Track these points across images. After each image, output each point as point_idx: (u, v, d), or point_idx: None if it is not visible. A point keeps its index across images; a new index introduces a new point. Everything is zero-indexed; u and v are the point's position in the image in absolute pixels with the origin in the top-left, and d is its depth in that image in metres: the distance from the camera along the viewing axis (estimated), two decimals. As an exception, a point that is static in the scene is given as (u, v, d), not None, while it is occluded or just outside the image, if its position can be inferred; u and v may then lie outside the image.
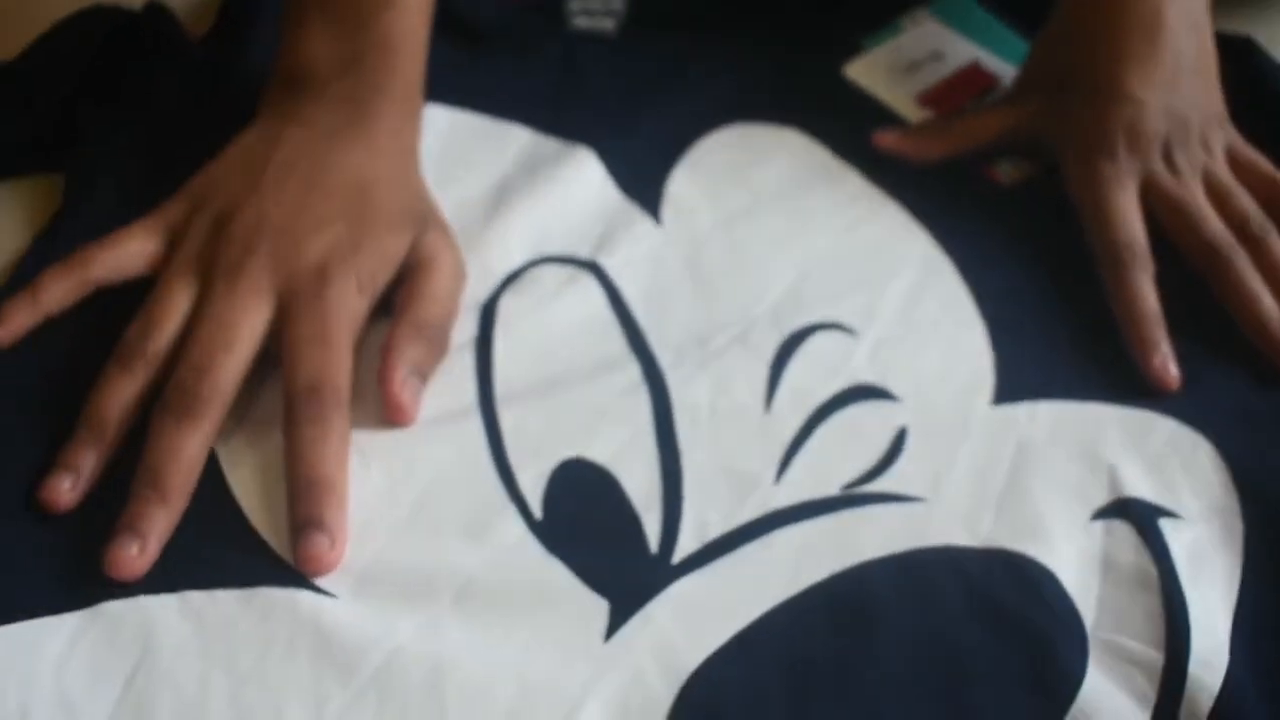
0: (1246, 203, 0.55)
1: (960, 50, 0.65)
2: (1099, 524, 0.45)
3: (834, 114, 0.60)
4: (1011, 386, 0.49)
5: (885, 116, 0.61)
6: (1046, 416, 0.48)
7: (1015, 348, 0.51)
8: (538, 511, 0.45)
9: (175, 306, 0.47)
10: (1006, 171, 0.59)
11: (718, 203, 0.56)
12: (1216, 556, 0.44)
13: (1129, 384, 0.49)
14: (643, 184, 0.57)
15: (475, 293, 0.52)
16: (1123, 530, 0.44)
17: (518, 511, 0.45)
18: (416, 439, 0.47)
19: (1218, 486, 0.46)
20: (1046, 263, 0.54)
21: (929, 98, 0.62)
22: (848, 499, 0.45)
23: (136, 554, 0.42)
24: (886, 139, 0.59)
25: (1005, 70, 0.64)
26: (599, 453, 0.46)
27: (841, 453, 0.47)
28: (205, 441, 0.45)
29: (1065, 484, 0.46)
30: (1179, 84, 0.56)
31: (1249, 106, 0.59)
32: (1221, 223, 0.54)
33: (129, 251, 0.50)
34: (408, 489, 0.45)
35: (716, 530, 0.44)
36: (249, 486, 0.45)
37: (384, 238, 0.50)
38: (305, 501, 0.43)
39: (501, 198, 0.56)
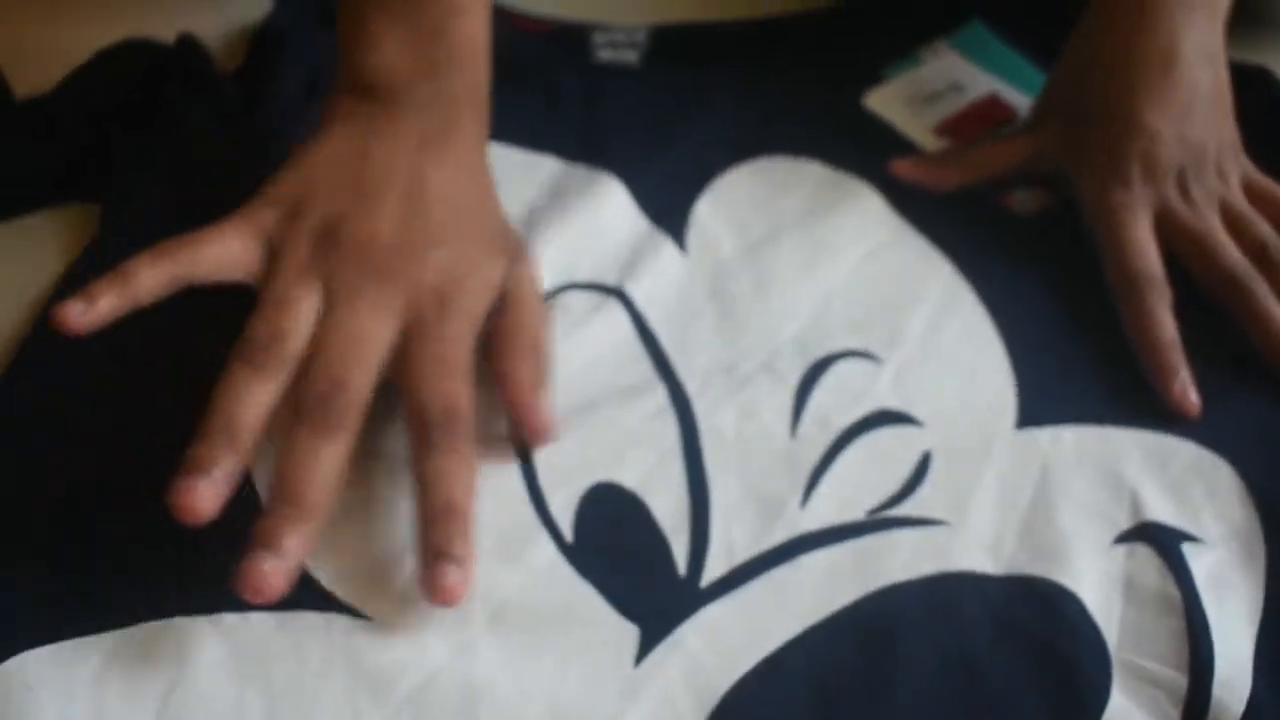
0: (1264, 230, 0.56)
1: (979, 82, 0.65)
2: (1121, 548, 0.45)
3: (855, 145, 0.61)
4: (1034, 411, 0.50)
5: (906, 147, 0.62)
6: (1069, 441, 0.49)
7: (1037, 373, 0.51)
8: (569, 535, 0.45)
9: (302, 315, 0.46)
10: (1022, 201, 0.60)
11: (742, 231, 0.57)
12: (1238, 580, 0.44)
13: (1150, 409, 0.50)
14: (669, 212, 0.57)
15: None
16: (1145, 554, 0.45)
17: (549, 535, 0.45)
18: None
19: (1239, 510, 0.46)
20: (1066, 289, 0.55)
21: (946, 128, 0.63)
22: (873, 523, 0.46)
23: (275, 572, 0.41)
24: (903, 167, 0.60)
25: (1024, 103, 0.64)
26: (628, 477, 0.47)
27: (866, 477, 0.47)
28: (343, 456, 0.44)
29: (1088, 508, 0.46)
30: (1194, 115, 0.57)
31: (1265, 137, 0.60)
32: (1239, 252, 0.55)
33: (232, 252, 0.48)
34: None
35: (744, 554, 0.45)
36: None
37: (485, 265, 0.49)
38: (440, 531, 0.43)
39: (530, 226, 0.56)
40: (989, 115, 0.64)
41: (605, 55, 0.66)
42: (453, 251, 0.48)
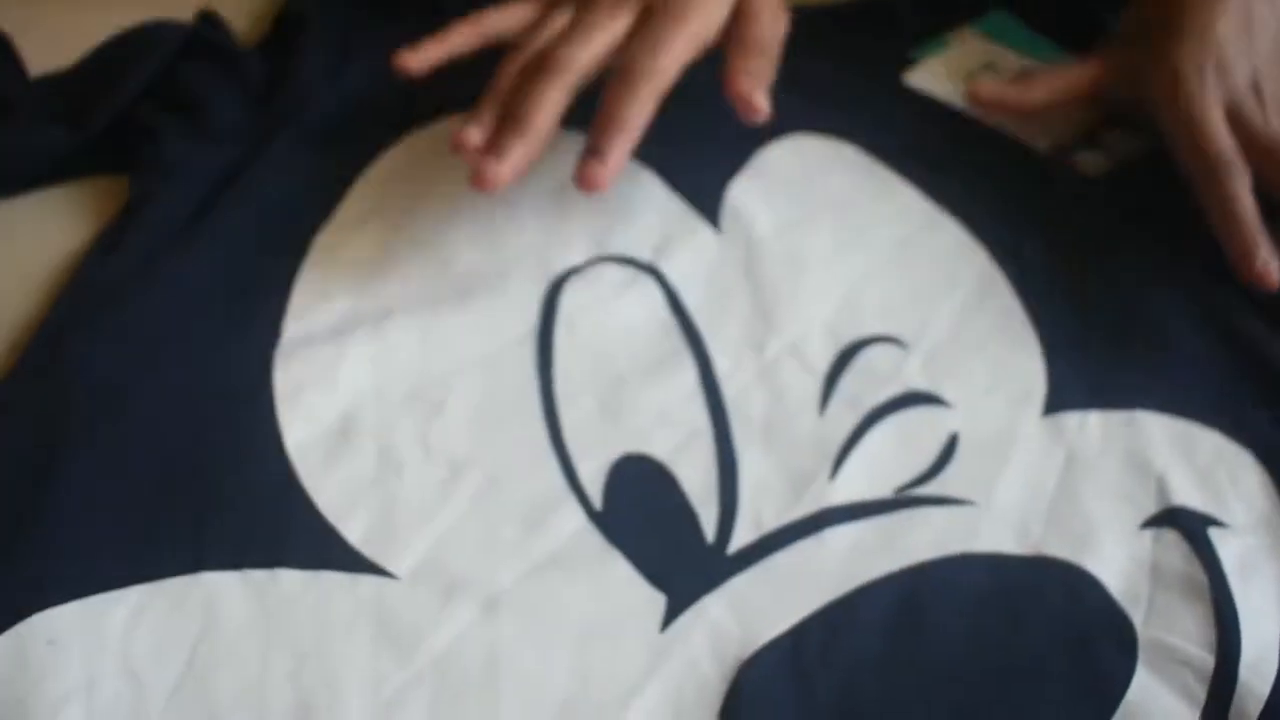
0: None
1: (1011, 62, 0.65)
2: (1148, 532, 0.45)
3: (892, 129, 0.61)
4: (1062, 397, 0.49)
5: (943, 129, 0.62)
6: (1096, 426, 0.48)
7: (1067, 360, 0.51)
8: (598, 502, 0.45)
9: (556, 24, 0.57)
10: (1089, 162, 0.60)
11: (776, 212, 0.57)
12: (1266, 566, 0.44)
13: (1177, 395, 0.50)
14: (703, 191, 0.57)
15: (535, 286, 0.53)
16: (1172, 538, 0.45)
17: (578, 501, 0.45)
18: (478, 427, 0.48)
19: (1264, 500, 0.46)
20: (1100, 276, 0.55)
21: None
22: (900, 501, 0.46)
23: (499, 170, 0.51)
24: (985, 88, 0.61)
25: None
26: (658, 449, 0.47)
27: (894, 455, 0.47)
28: (563, 97, 0.54)
29: (1115, 492, 0.46)
30: (1261, 43, 0.58)
31: None
32: None
33: (522, 16, 0.60)
34: (471, 475, 0.46)
35: (772, 524, 0.45)
36: (319, 477, 0.46)
37: None
38: (595, 133, 0.53)
39: (561, 198, 0.57)
40: None
41: None
42: None
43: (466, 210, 0.56)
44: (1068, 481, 0.47)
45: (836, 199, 0.58)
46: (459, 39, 0.60)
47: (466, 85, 0.62)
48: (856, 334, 0.52)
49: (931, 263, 0.55)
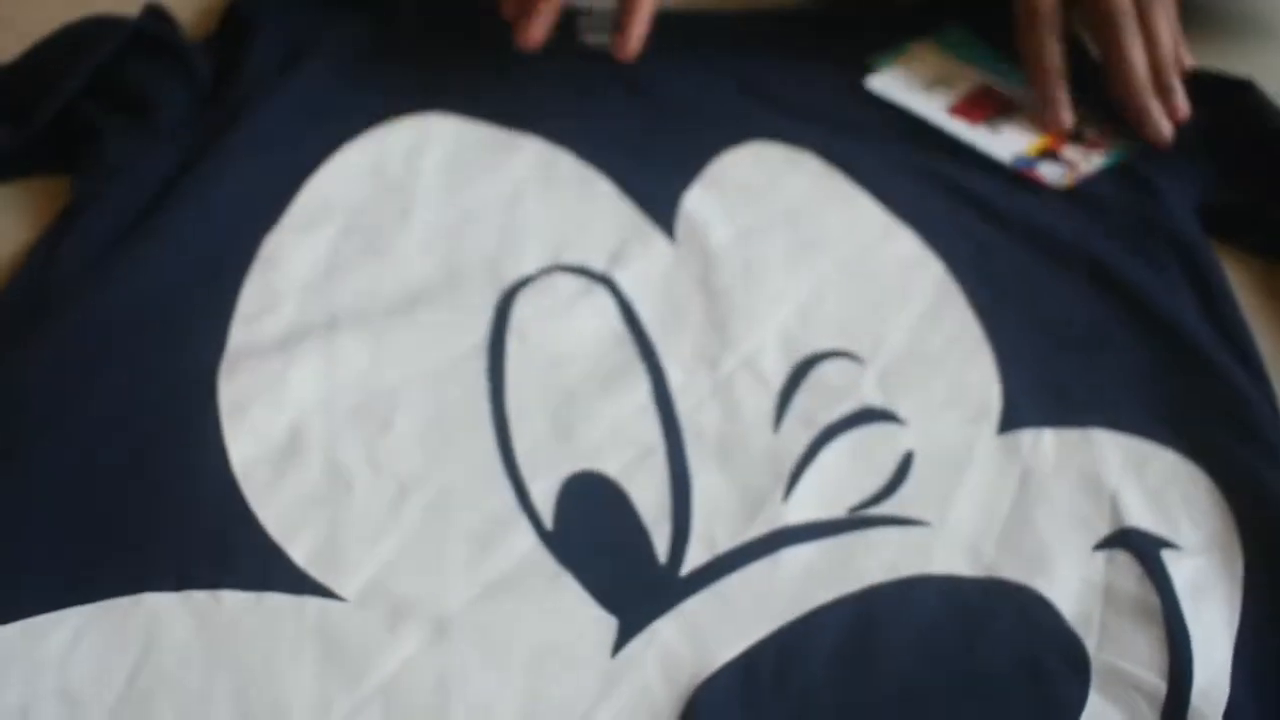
0: (1167, 51, 0.62)
1: (968, 75, 0.65)
2: (1101, 554, 0.45)
3: (852, 137, 0.61)
4: (1017, 414, 0.49)
5: (901, 138, 0.62)
6: (1051, 445, 0.48)
7: (1021, 376, 0.51)
8: (549, 522, 0.45)
9: None
10: (1054, 175, 0.60)
11: (732, 221, 0.56)
12: (1217, 588, 0.44)
13: (1131, 413, 0.50)
14: (658, 200, 0.57)
15: (487, 296, 0.52)
16: (1125, 560, 0.45)
17: (529, 522, 0.45)
18: (429, 444, 0.47)
19: (1216, 519, 0.46)
20: (1058, 291, 0.54)
21: (959, 109, 0.63)
22: (854, 521, 0.45)
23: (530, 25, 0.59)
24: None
25: (1016, 94, 0.64)
26: (610, 467, 0.47)
27: (848, 474, 0.47)
28: None
29: (1068, 513, 0.46)
30: None
31: (1250, 148, 0.60)
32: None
33: None
34: (420, 494, 0.45)
35: (725, 545, 0.45)
36: (265, 495, 0.45)
37: None
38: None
39: (515, 206, 0.56)
40: (992, 100, 0.64)
41: (591, 40, 0.65)
42: None
43: (420, 214, 0.56)
44: (1022, 501, 0.46)
45: (793, 208, 0.57)
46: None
47: (418, 88, 0.61)
48: (812, 348, 0.51)
49: (888, 274, 0.55)
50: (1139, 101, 0.62)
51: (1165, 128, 0.61)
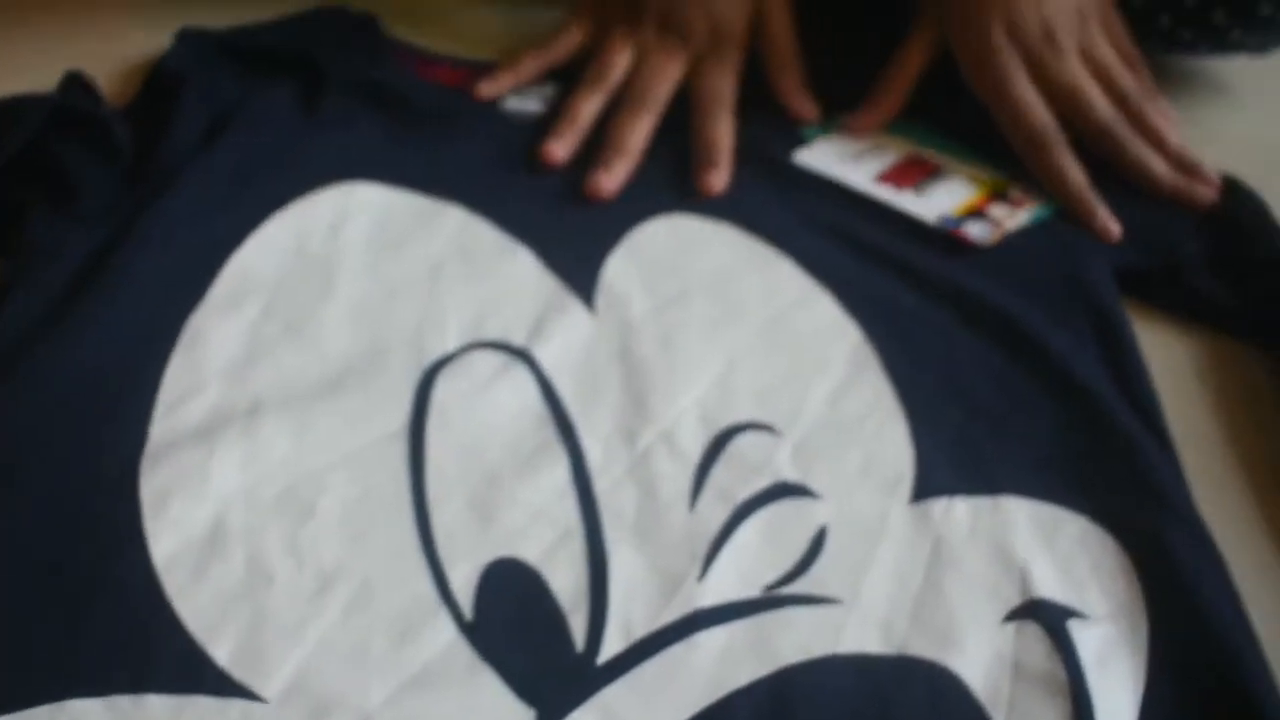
0: (1125, 79, 0.66)
1: (895, 144, 0.67)
2: (1010, 626, 0.46)
3: (775, 207, 0.62)
4: (930, 483, 0.50)
5: (826, 203, 0.63)
6: (962, 513, 0.49)
7: (935, 443, 0.52)
8: (468, 613, 0.45)
9: (619, 64, 0.68)
10: (980, 232, 0.61)
11: (651, 290, 0.57)
12: (1122, 657, 0.45)
13: (1042, 479, 0.51)
14: (578, 269, 0.58)
15: (408, 376, 0.53)
16: (1033, 632, 0.46)
17: (449, 613, 0.45)
18: (350, 532, 0.47)
19: (1124, 586, 0.47)
20: (973, 356, 0.55)
21: (886, 178, 0.64)
22: (768, 601, 0.46)
23: (608, 179, 0.62)
24: (859, 122, 0.68)
25: (942, 160, 0.66)
26: (529, 552, 0.47)
27: (763, 551, 0.48)
28: (648, 127, 0.66)
29: (979, 585, 0.47)
30: None
31: (1234, 243, 0.62)
32: (1107, 100, 0.65)
33: (575, 41, 0.71)
34: (342, 586, 0.46)
35: (641, 630, 0.45)
36: (187, 592, 0.45)
37: (741, 8, 0.69)
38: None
39: (436, 279, 0.57)
40: (920, 168, 0.65)
41: (512, 105, 0.66)
42: (717, 10, 0.69)
43: (343, 290, 0.56)
44: (933, 573, 0.47)
45: (713, 275, 0.58)
46: (527, 70, 0.70)
47: (342, 156, 0.62)
48: (729, 420, 0.52)
49: (805, 341, 0.55)
50: (1171, 193, 0.64)
51: (1204, 199, 0.64)
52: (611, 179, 0.63)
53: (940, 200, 0.63)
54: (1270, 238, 0.63)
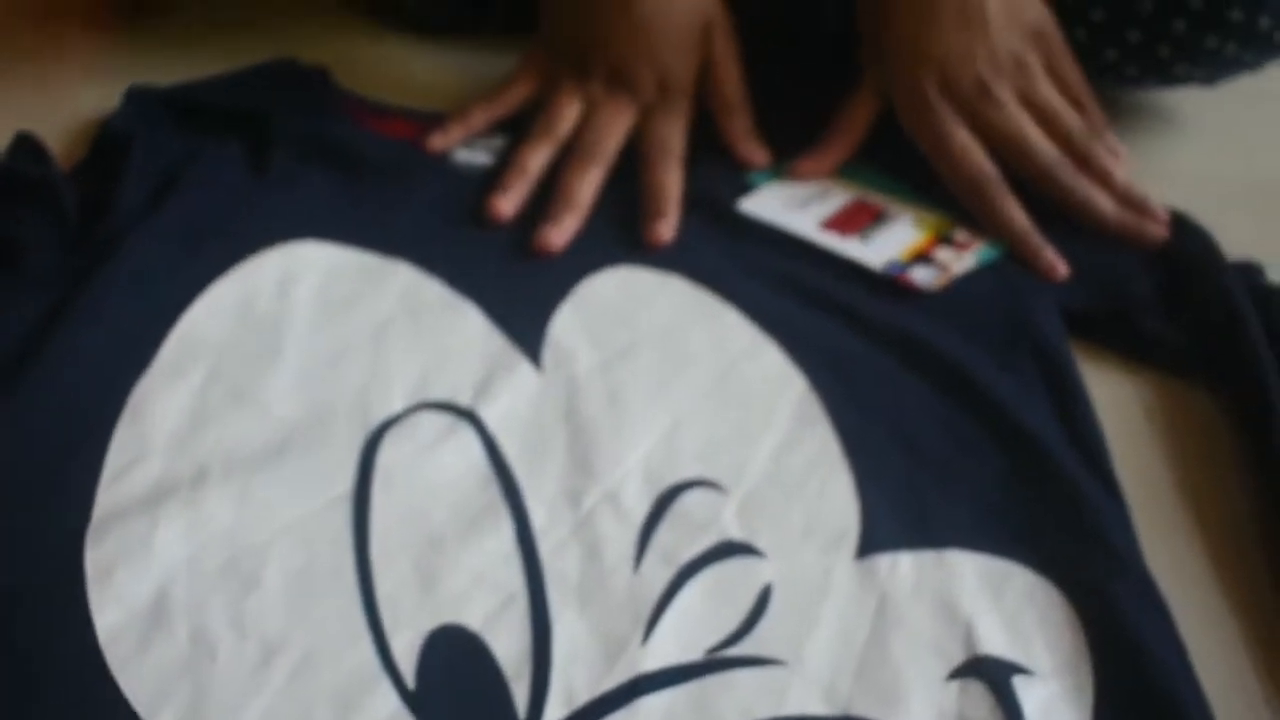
0: (1069, 120, 0.66)
1: (840, 189, 0.67)
2: (955, 684, 0.46)
3: (722, 257, 0.62)
4: (875, 538, 0.50)
5: (773, 251, 0.63)
6: (907, 568, 0.49)
7: (880, 496, 0.52)
8: (411, 682, 0.45)
9: (568, 115, 0.69)
10: (925, 278, 0.61)
11: (598, 345, 0.57)
12: (1067, 713, 0.45)
13: (988, 531, 0.51)
14: (525, 326, 0.58)
15: (353, 440, 0.53)
16: (978, 690, 0.45)
17: (391, 682, 0.45)
18: (294, 601, 0.47)
19: (1070, 640, 0.47)
20: (919, 404, 0.56)
21: (832, 224, 0.64)
22: (711, 664, 0.46)
23: (557, 234, 0.62)
24: (805, 168, 0.69)
25: (888, 204, 0.66)
26: (472, 618, 0.47)
27: (707, 613, 0.47)
28: (598, 179, 0.66)
29: (924, 642, 0.47)
30: (975, 21, 0.65)
31: (1181, 281, 0.63)
32: (1049, 143, 0.65)
33: (524, 93, 0.72)
34: (285, 657, 0.46)
35: (584, 697, 0.45)
36: (130, 666, 0.45)
37: (690, 57, 0.69)
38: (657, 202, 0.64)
39: (383, 339, 0.57)
40: (864, 213, 0.66)
41: (462, 157, 0.66)
42: (667, 60, 0.69)
43: (290, 353, 0.56)
44: (878, 632, 0.47)
45: (660, 328, 0.58)
46: (476, 122, 0.70)
47: (290, 215, 0.62)
48: (674, 478, 0.52)
49: (752, 394, 0.56)
50: (1119, 232, 0.65)
51: (1154, 238, 0.65)
52: (560, 234, 0.63)
53: (886, 246, 0.63)
54: (1217, 274, 0.63)
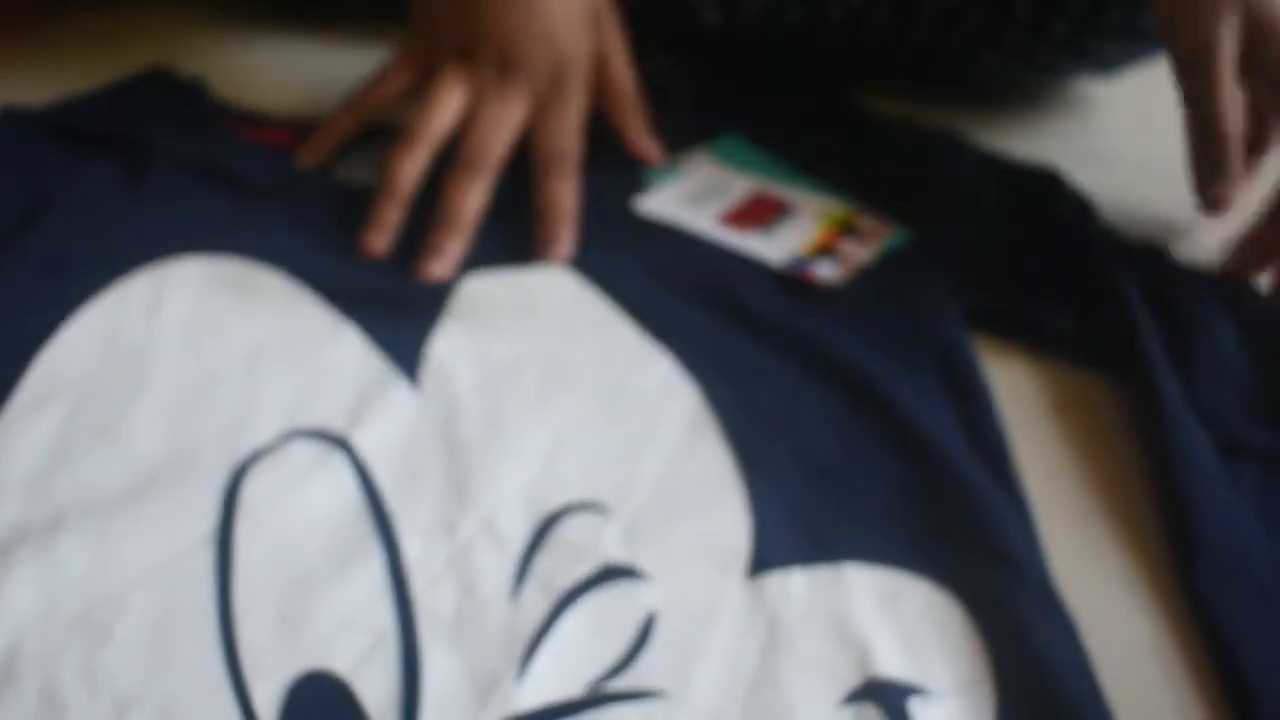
0: None
1: (738, 182, 0.65)
2: (849, 709, 0.43)
3: (610, 255, 0.60)
4: (767, 555, 0.48)
5: (669, 248, 0.61)
6: (800, 586, 0.47)
7: (773, 510, 0.49)
8: (270, 734, 0.43)
9: (449, 108, 0.62)
10: (826, 271, 0.59)
11: (480, 361, 0.54)
12: (966, 734, 0.43)
13: (885, 543, 0.48)
14: (404, 344, 0.55)
15: (218, 475, 0.50)
16: (873, 715, 0.43)
17: (249, 736, 0.43)
18: (150, 654, 0.45)
19: (969, 656, 0.45)
20: (816, 411, 0.53)
21: (730, 218, 0.62)
22: (591, 699, 0.44)
23: (440, 265, 0.58)
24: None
25: (788, 195, 0.64)
26: (340, 663, 0.44)
27: (587, 644, 0.45)
28: (485, 191, 0.61)
29: (816, 666, 0.45)
30: None
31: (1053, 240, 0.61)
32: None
33: (397, 86, 0.66)
34: (138, 714, 0.43)
35: (454, 740, 0.43)
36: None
37: (585, 43, 0.64)
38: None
39: (255, 365, 0.54)
40: (765, 205, 0.63)
41: (340, 175, 0.63)
42: (562, 43, 0.63)
43: (157, 383, 0.53)
44: (768, 657, 0.45)
45: (544, 341, 0.56)
46: (343, 129, 0.65)
47: (164, 234, 0.59)
48: (556, 502, 0.49)
49: (639, 408, 0.53)
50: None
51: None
52: (444, 263, 0.59)
53: (788, 240, 0.61)
54: (1110, 265, 0.60)
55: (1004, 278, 0.60)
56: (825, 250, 0.60)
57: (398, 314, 0.56)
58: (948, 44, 0.71)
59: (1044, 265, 0.61)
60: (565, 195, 0.62)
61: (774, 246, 0.61)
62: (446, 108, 0.62)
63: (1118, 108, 0.78)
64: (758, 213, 0.63)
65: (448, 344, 0.55)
